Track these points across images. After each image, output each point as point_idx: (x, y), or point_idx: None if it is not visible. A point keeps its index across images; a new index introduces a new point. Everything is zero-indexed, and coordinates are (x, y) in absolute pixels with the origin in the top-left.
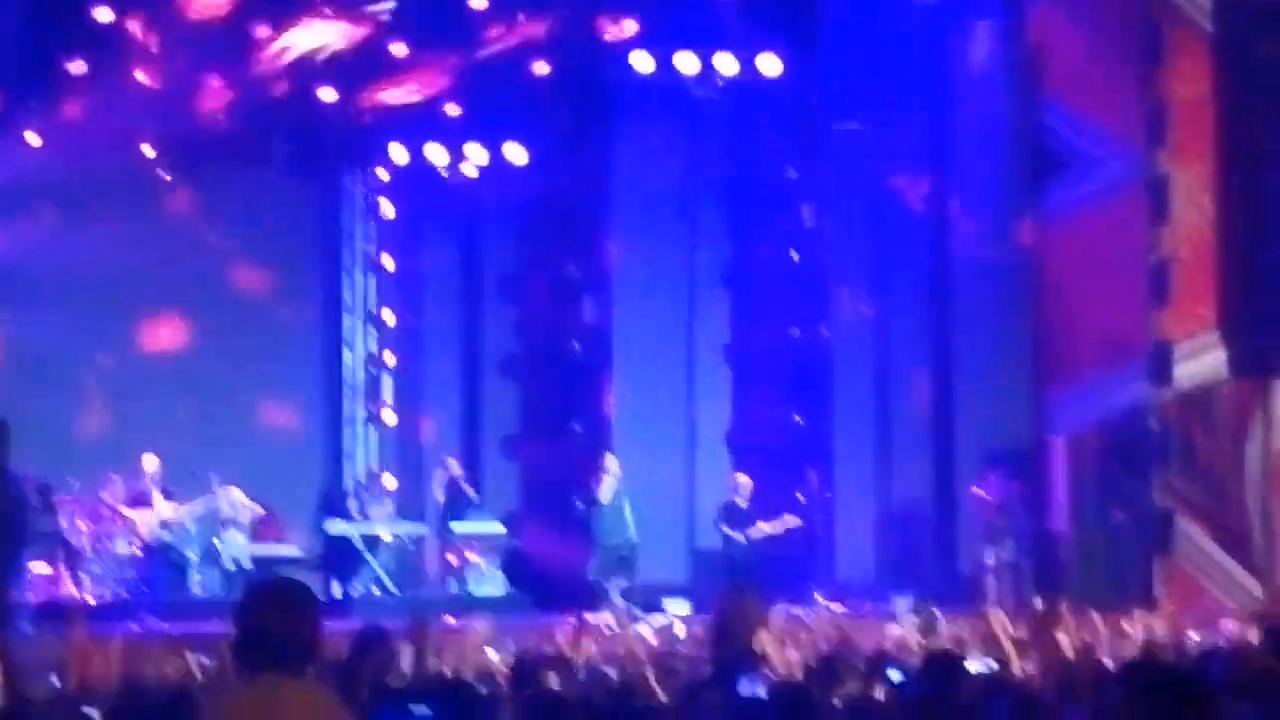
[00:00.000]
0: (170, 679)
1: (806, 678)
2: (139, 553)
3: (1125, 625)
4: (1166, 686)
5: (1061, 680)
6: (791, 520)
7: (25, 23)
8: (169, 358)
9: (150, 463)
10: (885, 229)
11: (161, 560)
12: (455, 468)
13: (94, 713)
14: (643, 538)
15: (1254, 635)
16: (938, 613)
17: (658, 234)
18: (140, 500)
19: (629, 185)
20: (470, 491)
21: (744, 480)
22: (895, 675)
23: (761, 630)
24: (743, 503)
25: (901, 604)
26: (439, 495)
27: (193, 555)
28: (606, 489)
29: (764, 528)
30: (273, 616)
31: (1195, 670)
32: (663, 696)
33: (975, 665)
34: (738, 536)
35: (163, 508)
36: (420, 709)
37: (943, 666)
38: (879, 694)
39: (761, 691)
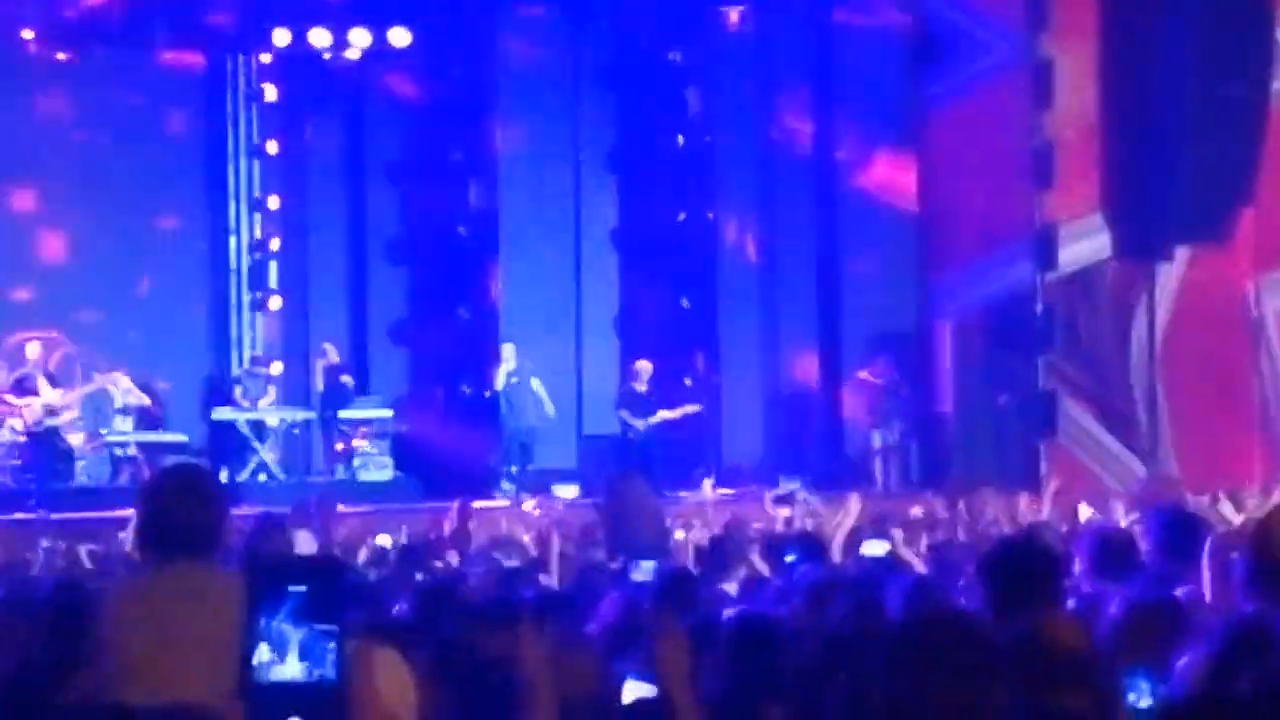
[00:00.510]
0: (58, 567)
1: (697, 561)
2: (22, 439)
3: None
4: (1013, 563)
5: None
6: (692, 407)
7: None
8: (53, 242)
9: (34, 349)
10: (769, 115)
11: (48, 448)
12: (334, 354)
13: None
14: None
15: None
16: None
17: (544, 118)
18: (26, 387)
19: (514, 70)
20: (347, 380)
21: (644, 366)
22: (789, 558)
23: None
24: (642, 388)
25: (789, 487)
26: (318, 383)
27: (77, 443)
28: (501, 376)
29: (665, 415)
30: (181, 503)
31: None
32: (553, 582)
33: (872, 547)
34: (637, 423)
35: (49, 394)
36: (297, 588)
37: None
38: (769, 575)
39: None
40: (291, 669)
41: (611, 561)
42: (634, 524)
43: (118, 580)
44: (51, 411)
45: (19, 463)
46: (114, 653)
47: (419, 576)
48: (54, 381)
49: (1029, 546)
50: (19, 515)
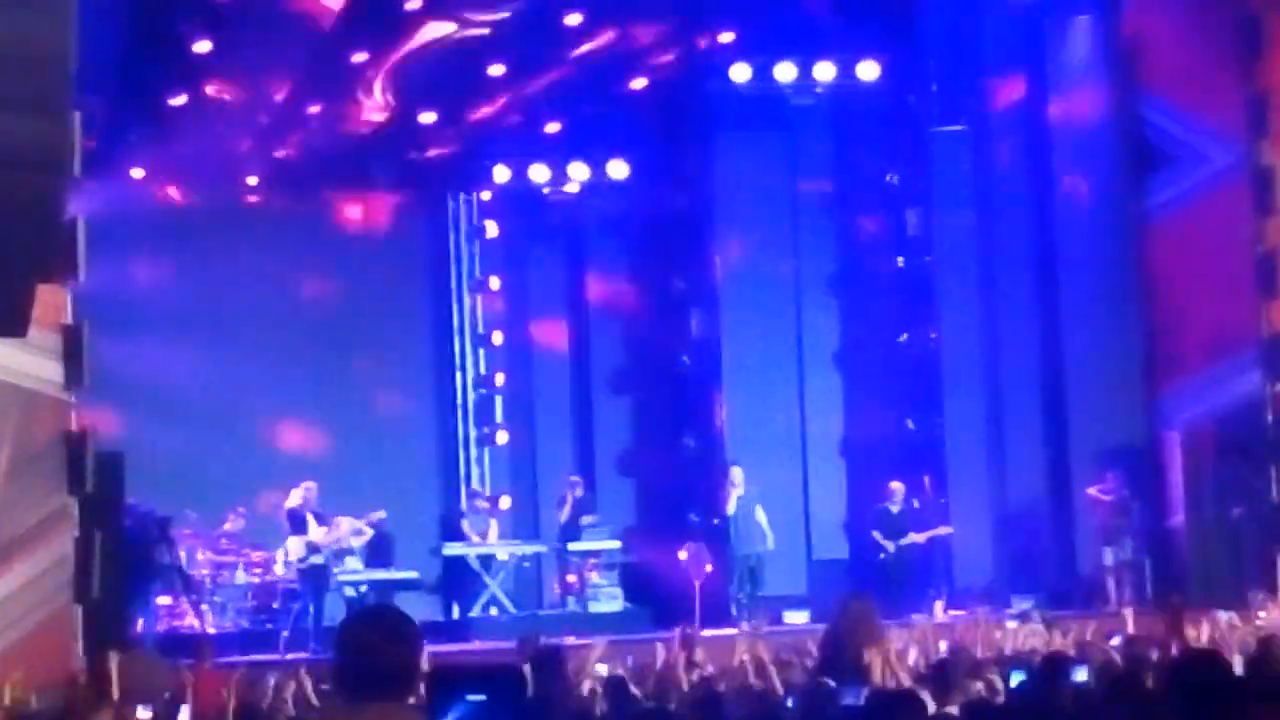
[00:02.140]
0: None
1: (918, 683)
2: (256, 582)
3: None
4: (1207, 684)
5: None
6: (944, 529)
7: (125, 54)
8: (282, 388)
9: (308, 489)
10: (991, 231)
11: (315, 584)
12: (579, 489)
13: None
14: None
15: None
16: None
17: (762, 244)
18: (297, 525)
19: (732, 197)
20: (589, 519)
21: (898, 487)
22: (1018, 677)
23: (872, 644)
24: (895, 509)
25: (1021, 607)
26: (562, 515)
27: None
28: (730, 502)
29: (914, 537)
30: (373, 643)
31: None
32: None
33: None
34: (889, 545)
35: (315, 533)
36: (476, 697)
37: (1055, 668)
38: (998, 698)
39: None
40: None
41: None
42: (856, 648)
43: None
44: (316, 549)
45: (253, 605)
46: None
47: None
48: (321, 520)
49: (1212, 664)
50: (254, 657)
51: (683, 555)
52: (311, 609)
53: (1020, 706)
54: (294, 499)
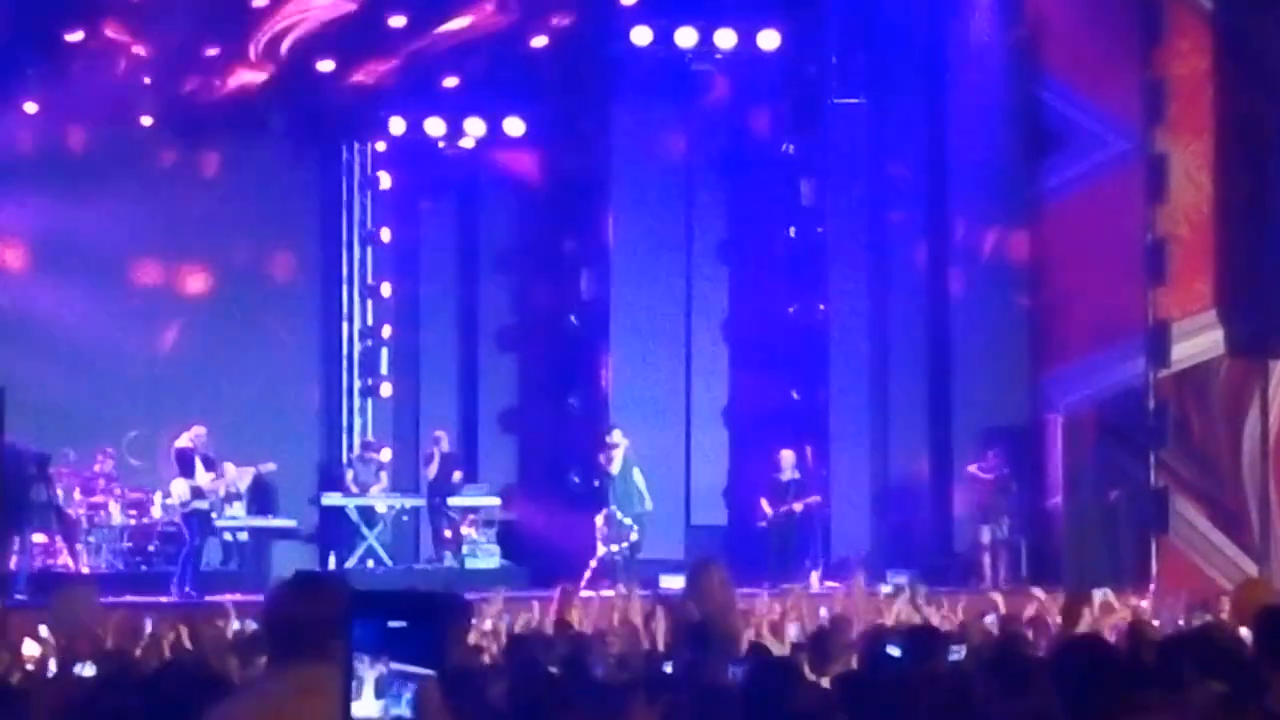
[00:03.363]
0: (163, 650)
1: (796, 654)
2: (133, 524)
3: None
4: (1092, 667)
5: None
6: (814, 499)
7: None
8: (167, 328)
9: (197, 433)
10: (882, 207)
11: (176, 531)
12: (445, 442)
13: (87, 672)
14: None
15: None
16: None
17: (656, 209)
18: (184, 468)
19: (628, 159)
20: (457, 475)
21: (787, 456)
22: (894, 651)
23: (726, 612)
24: (784, 478)
25: (897, 581)
26: (430, 470)
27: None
28: (615, 462)
29: (793, 506)
30: (296, 605)
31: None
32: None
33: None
34: (768, 512)
35: (202, 478)
36: (397, 623)
37: (933, 642)
38: (872, 671)
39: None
40: (369, 707)
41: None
42: (715, 616)
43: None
44: (199, 494)
45: (130, 546)
46: None
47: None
48: (209, 465)
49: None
50: (132, 598)
51: (599, 521)
52: (192, 553)
53: (896, 679)
54: (182, 441)
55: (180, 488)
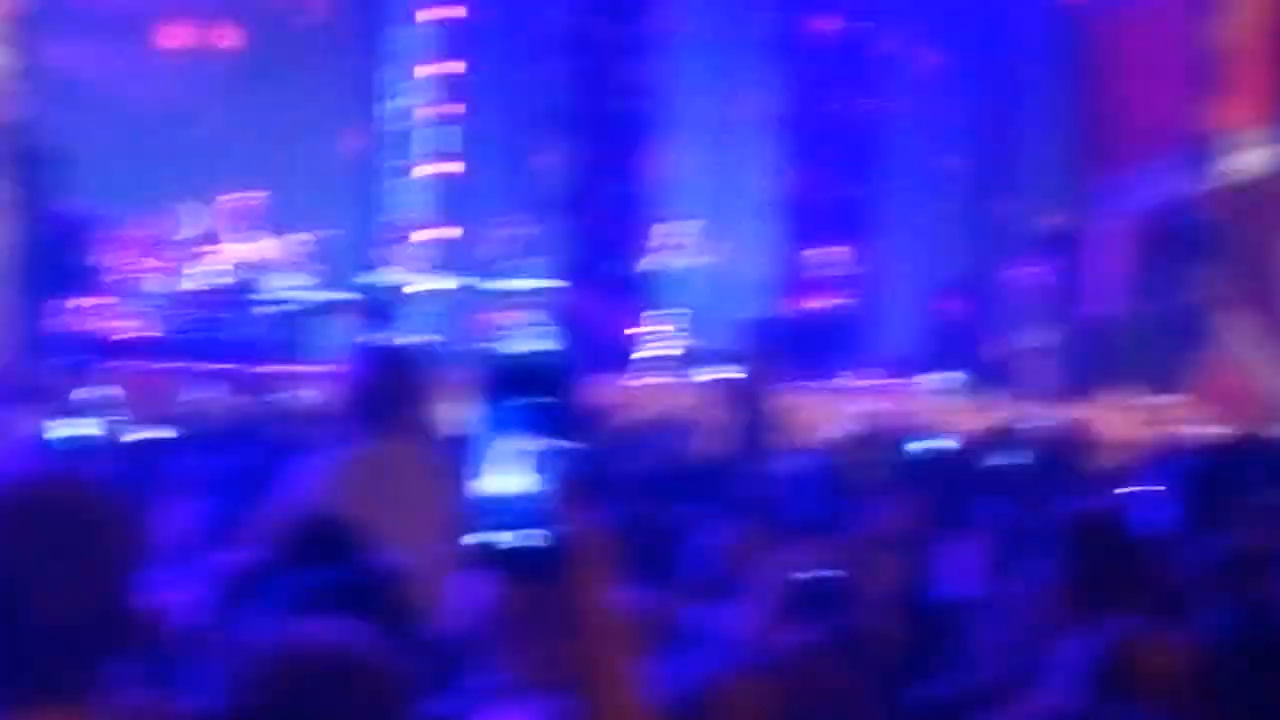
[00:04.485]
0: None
1: (843, 447)
2: (189, 289)
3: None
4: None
5: None
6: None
7: None
8: (220, 88)
9: (239, 201)
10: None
11: (221, 298)
12: (513, 225)
13: (169, 433)
14: None
15: None
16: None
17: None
18: (230, 236)
19: None
20: (510, 259)
21: (824, 251)
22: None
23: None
24: (816, 274)
25: (947, 378)
26: (483, 251)
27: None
28: (664, 253)
29: (830, 300)
30: (385, 379)
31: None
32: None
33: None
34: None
35: (248, 246)
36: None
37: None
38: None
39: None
40: (509, 485)
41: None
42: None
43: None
44: (245, 262)
45: (186, 312)
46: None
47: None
48: (254, 233)
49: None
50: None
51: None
52: (238, 320)
53: (956, 469)
54: (226, 209)
55: (227, 253)
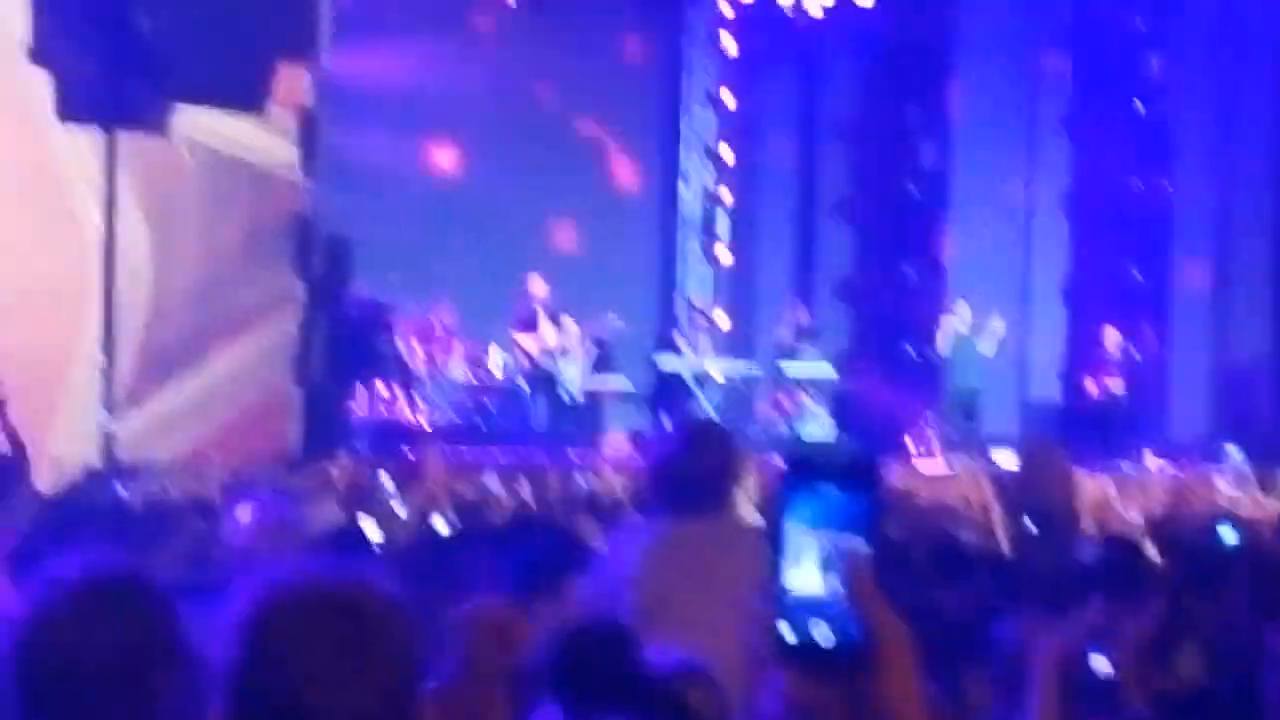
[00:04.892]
0: (506, 506)
1: (1140, 534)
2: (473, 379)
3: None
4: None
5: None
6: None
7: None
8: (509, 186)
9: (538, 285)
10: (1230, 81)
11: (515, 386)
12: (799, 311)
13: (441, 524)
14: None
15: None
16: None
17: (1000, 77)
18: (528, 324)
19: (973, 28)
20: (804, 344)
21: (1112, 333)
22: (1230, 535)
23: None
24: (1109, 356)
25: (1235, 460)
26: (780, 336)
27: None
28: (951, 334)
29: (1120, 383)
30: (699, 456)
31: None
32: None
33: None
34: (1093, 389)
35: (546, 331)
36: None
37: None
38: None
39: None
40: (809, 580)
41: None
42: (1050, 492)
43: (638, 529)
44: (547, 352)
45: (469, 400)
46: (639, 595)
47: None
48: (555, 320)
49: None
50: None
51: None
52: (530, 409)
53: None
54: (529, 292)
55: (526, 342)
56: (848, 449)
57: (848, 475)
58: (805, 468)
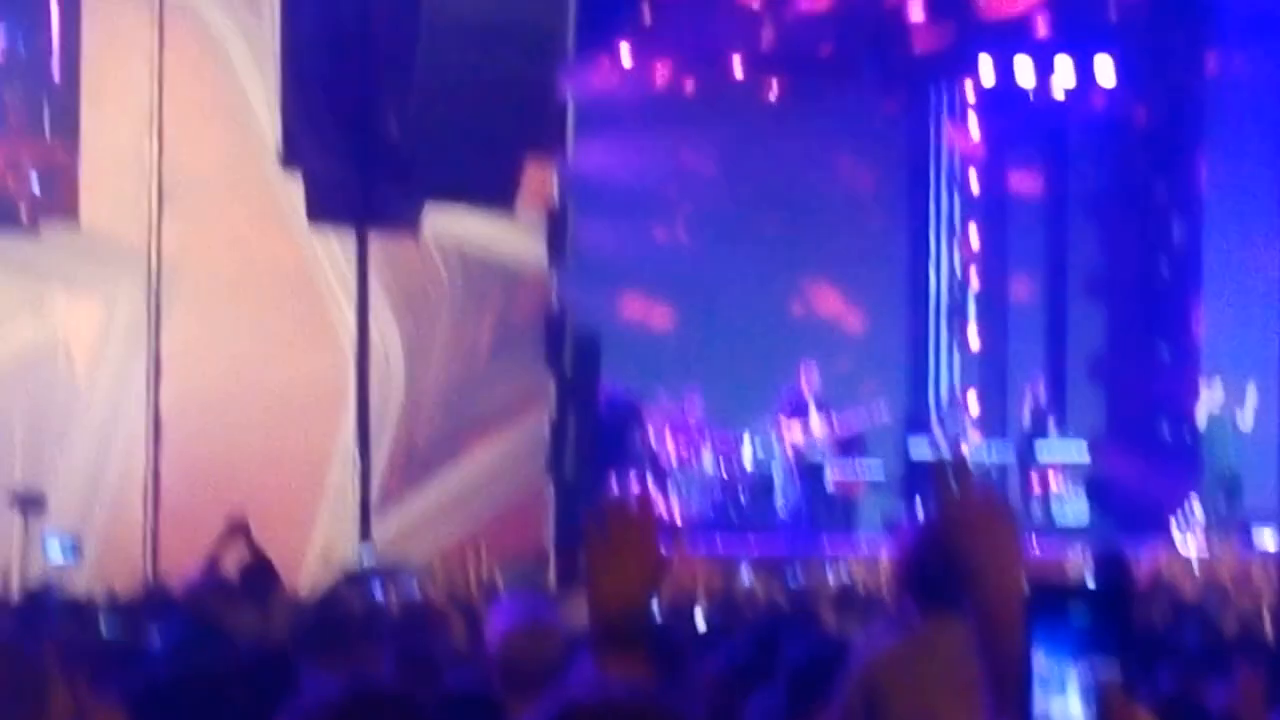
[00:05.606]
0: (761, 599)
1: None
2: (724, 470)
3: None
4: None
5: None
6: None
7: None
8: (757, 274)
9: (807, 375)
10: None
11: (771, 478)
12: (1034, 393)
13: (699, 619)
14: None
15: None
16: None
17: (1248, 150)
18: (791, 412)
19: (1219, 101)
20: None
21: None
22: None
23: None
24: None
25: None
26: (1025, 419)
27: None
28: (1207, 413)
29: None
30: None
31: None
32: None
33: None
34: None
35: (813, 422)
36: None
37: None
38: None
39: None
40: (1066, 710)
41: None
42: None
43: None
44: (807, 439)
45: (719, 493)
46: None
47: None
48: (822, 409)
49: None
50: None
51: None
52: (783, 499)
53: None
54: (795, 383)
55: (786, 430)
56: (1097, 562)
57: (1096, 597)
58: (1052, 594)
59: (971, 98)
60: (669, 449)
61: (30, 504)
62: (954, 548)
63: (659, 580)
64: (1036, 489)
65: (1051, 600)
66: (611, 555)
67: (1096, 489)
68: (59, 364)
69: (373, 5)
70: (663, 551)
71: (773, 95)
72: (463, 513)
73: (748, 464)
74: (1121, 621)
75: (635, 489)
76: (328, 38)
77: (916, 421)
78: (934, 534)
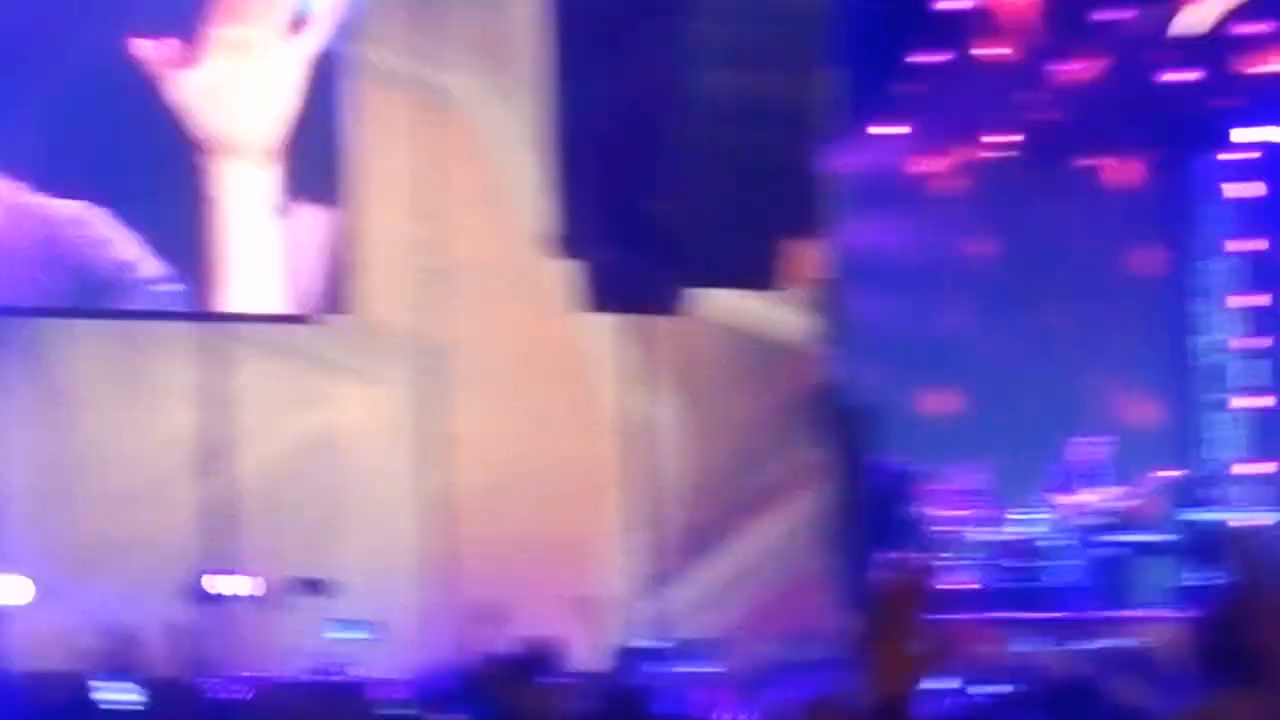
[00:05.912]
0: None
1: None
2: (1005, 542)
3: None
4: None
5: None
6: None
7: (869, 13)
8: (1020, 347)
9: (1095, 446)
10: None
11: (1041, 549)
12: None
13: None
14: None
15: None
16: None
17: None
18: (1075, 482)
19: None
20: None
21: None
22: None
23: None
24: None
25: None
26: None
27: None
28: None
29: None
30: (1247, 621)
31: None
32: None
33: None
34: None
35: (1092, 494)
36: None
37: None
38: None
39: None
40: None
41: None
42: None
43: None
44: (1084, 513)
45: (988, 562)
46: None
47: None
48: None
49: None
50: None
51: None
52: (1065, 570)
53: None
54: (1072, 455)
55: (1071, 502)
56: None
57: None
58: None
59: (1228, 157)
60: (948, 522)
61: (316, 589)
62: (1253, 624)
63: (940, 656)
64: None
65: None
66: (891, 630)
67: None
68: (339, 451)
69: (635, 89)
70: (943, 626)
71: (1042, 168)
72: (741, 591)
73: (1026, 534)
74: None
75: (913, 563)
76: (594, 123)
77: (1189, 490)
78: (1232, 606)
